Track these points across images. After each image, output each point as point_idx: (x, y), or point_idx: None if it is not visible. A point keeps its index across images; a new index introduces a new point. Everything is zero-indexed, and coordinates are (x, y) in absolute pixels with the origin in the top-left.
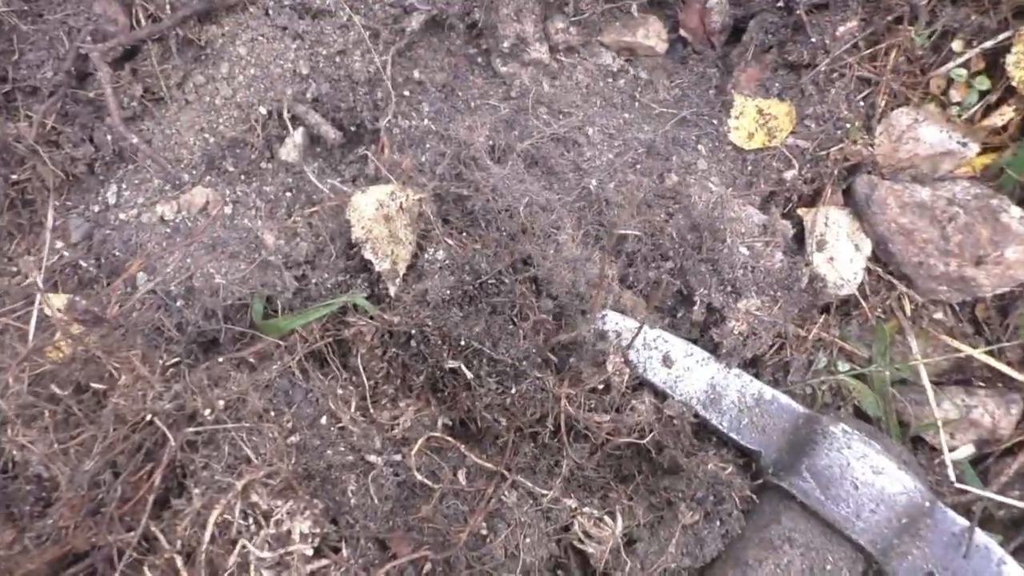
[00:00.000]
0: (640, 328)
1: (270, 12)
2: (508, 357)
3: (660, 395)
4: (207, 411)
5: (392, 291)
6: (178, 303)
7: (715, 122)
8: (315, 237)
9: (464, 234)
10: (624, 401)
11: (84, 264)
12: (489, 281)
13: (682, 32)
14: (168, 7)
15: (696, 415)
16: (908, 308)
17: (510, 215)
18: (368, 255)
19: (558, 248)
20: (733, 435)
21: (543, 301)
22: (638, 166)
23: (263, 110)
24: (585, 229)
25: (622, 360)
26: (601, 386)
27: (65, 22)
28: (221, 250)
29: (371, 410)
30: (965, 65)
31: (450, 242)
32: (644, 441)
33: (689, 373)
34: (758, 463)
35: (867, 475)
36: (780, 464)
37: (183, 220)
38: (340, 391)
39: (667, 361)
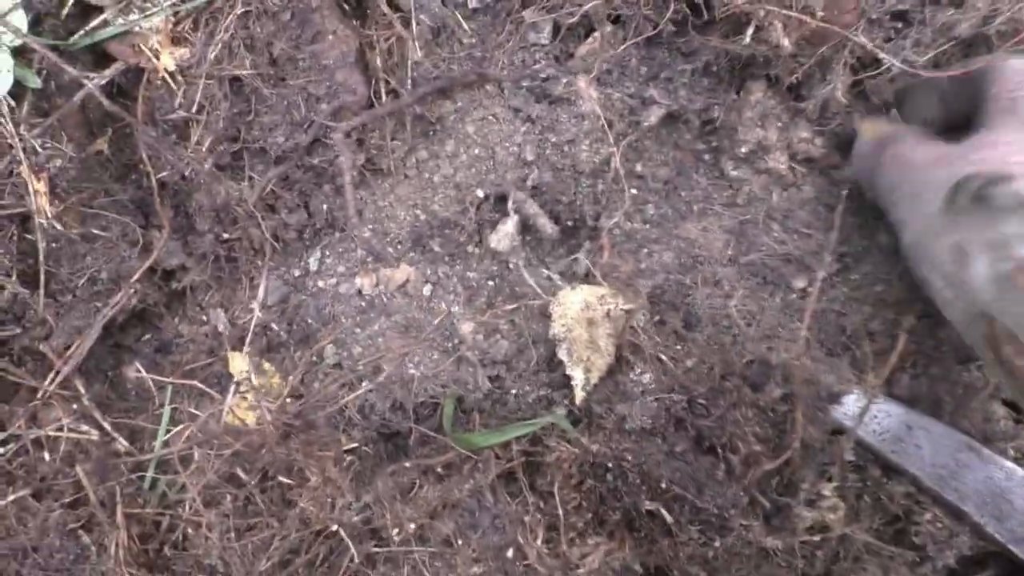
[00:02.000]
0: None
1: (505, 92)
2: (713, 506)
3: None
4: (395, 530)
5: (578, 399)
6: (364, 384)
7: None
8: (516, 336)
9: (678, 348)
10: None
11: (275, 327)
12: (699, 400)
13: None
14: (410, 82)
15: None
16: None
17: (729, 319)
18: (562, 355)
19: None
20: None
21: (766, 395)
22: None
23: (480, 193)
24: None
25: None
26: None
27: (305, 88)
28: (415, 334)
29: (561, 544)
30: None
31: (663, 357)
32: None
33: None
34: None
35: None
36: None
37: (380, 295)
38: (527, 518)
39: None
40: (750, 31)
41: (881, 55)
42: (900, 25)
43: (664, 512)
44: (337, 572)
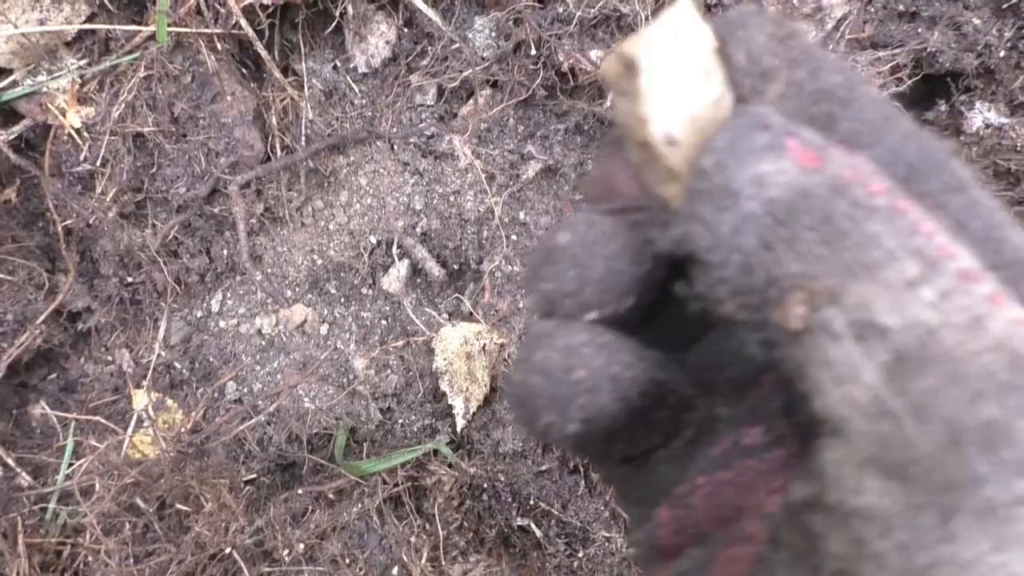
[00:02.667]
0: None
1: (395, 148)
2: (576, 519)
3: None
4: (286, 551)
5: (459, 426)
6: (263, 418)
7: None
8: (405, 371)
9: None
10: None
11: (178, 365)
12: None
13: None
14: (303, 139)
15: None
16: None
17: None
18: (444, 386)
19: None
20: None
21: None
22: None
23: (373, 239)
24: None
25: None
26: None
27: (205, 144)
28: (311, 370)
29: (442, 562)
30: None
31: None
32: None
33: None
34: None
35: None
36: None
37: (279, 334)
38: (413, 539)
39: None
40: (611, 96)
41: None
42: None
43: (533, 526)
44: None
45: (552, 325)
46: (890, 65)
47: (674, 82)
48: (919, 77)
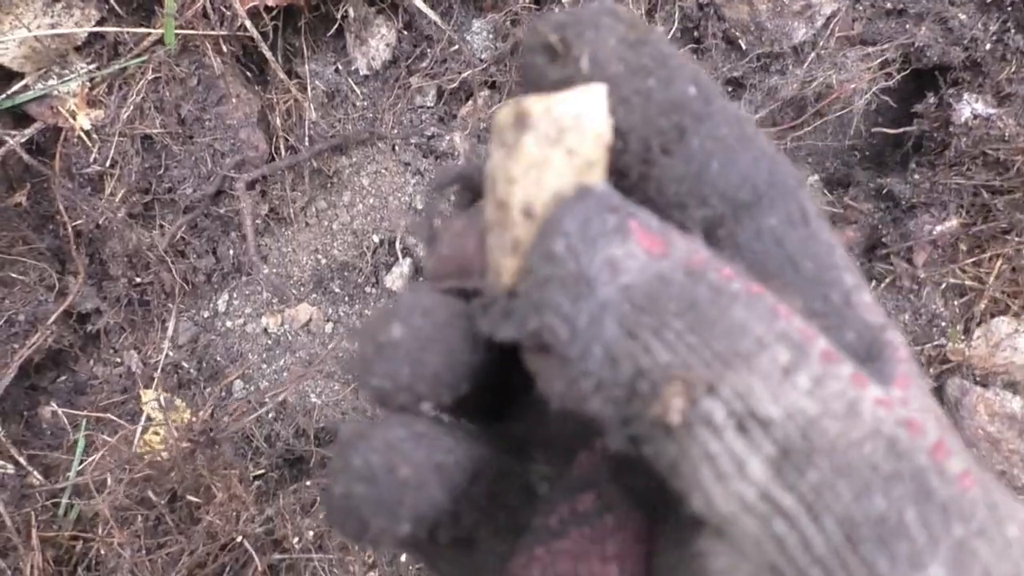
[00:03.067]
0: None
1: (396, 148)
2: None
3: None
4: (295, 539)
5: None
6: (271, 415)
7: None
8: None
9: None
10: None
11: (186, 365)
12: None
13: None
14: (307, 140)
15: None
16: None
17: None
18: None
19: None
20: None
21: None
22: None
23: (376, 238)
24: None
25: None
26: None
27: (211, 145)
28: (317, 368)
29: None
30: None
31: None
32: None
33: None
34: None
35: None
36: None
37: (285, 334)
38: None
39: None
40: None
41: None
42: (734, 89)
43: None
44: None
45: (364, 426)
46: (879, 60)
47: (555, 156)
48: (908, 72)
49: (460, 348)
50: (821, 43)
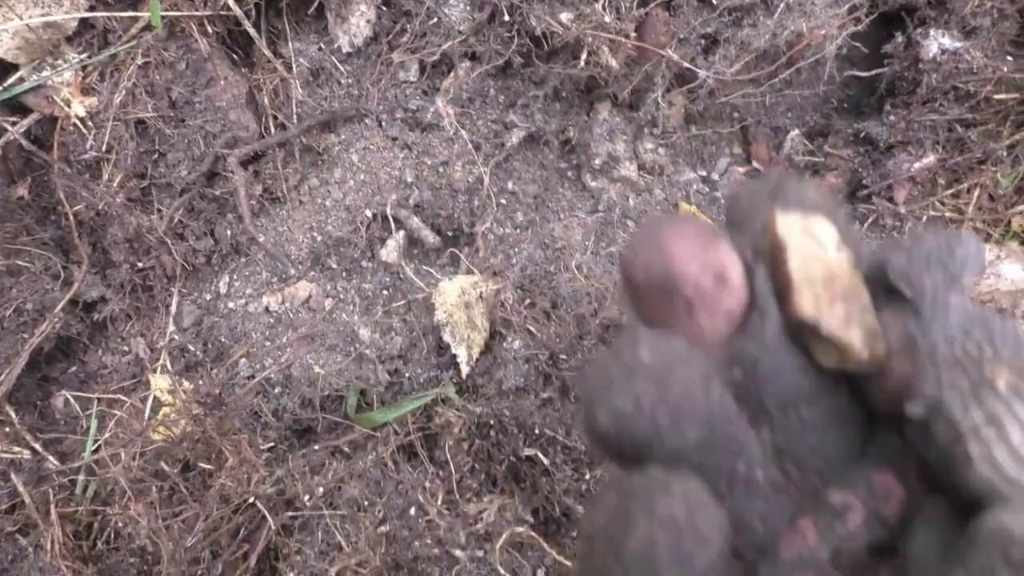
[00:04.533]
0: None
1: (383, 124)
2: (581, 443)
3: None
4: (306, 497)
5: (464, 372)
6: (276, 390)
7: None
8: (409, 332)
9: (545, 321)
10: None
11: (192, 348)
12: (560, 355)
13: (754, 163)
14: (295, 118)
15: None
16: None
17: (589, 296)
18: (447, 337)
19: None
20: None
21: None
22: None
23: (368, 213)
24: None
25: None
26: None
27: (203, 127)
28: (320, 342)
29: (458, 503)
30: None
31: (531, 328)
32: None
33: None
34: None
35: None
36: None
37: (286, 311)
38: (428, 484)
39: None
40: (584, 56)
41: (696, 70)
42: (707, 43)
43: (540, 455)
44: (257, 542)
45: (661, 475)
46: (847, 6)
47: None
48: (875, 15)
49: (701, 390)
50: None
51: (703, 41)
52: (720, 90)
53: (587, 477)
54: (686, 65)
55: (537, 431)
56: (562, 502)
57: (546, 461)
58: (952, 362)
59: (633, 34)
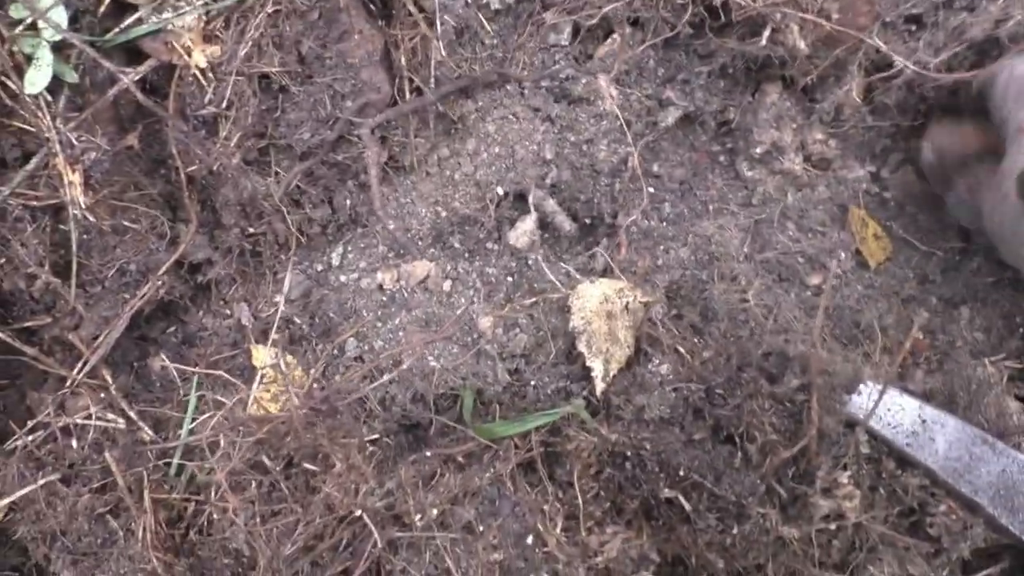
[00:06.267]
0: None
1: (526, 92)
2: (731, 493)
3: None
4: (417, 516)
5: (598, 390)
6: (385, 377)
7: None
8: (535, 330)
9: (695, 340)
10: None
11: (298, 320)
12: (717, 390)
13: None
14: (433, 81)
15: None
16: None
17: (746, 313)
18: (582, 347)
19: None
20: None
21: (784, 386)
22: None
23: (500, 190)
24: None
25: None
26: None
27: (331, 86)
28: (435, 328)
29: (581, 532)
30: None
31: (680, 349)
32: None
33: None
34: None
35: None
36: None
37: (401, 290)
38: (547, 507)
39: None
40: (766, 33)
41: (895, 58)
42: (914, 28)
43: (682, 499)
44: (360, 557)
45: None
46: None
47: None
48: None
49: None
50: None
51: (908, 24)
52: (918, 82)
53: (734, 531)
54: (887, 52)
55: (682, 472)
56: (702, 555)
57: (688, 507)
58: None
59: (836, 15)
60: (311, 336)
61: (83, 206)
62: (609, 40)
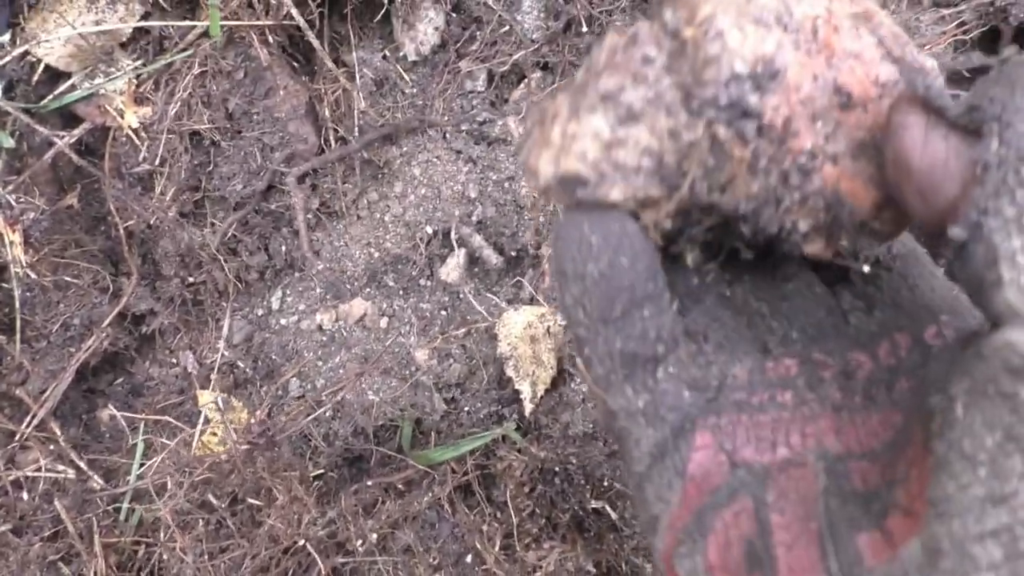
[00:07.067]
0: None
1: (447, 136)
2: None
3: None
4: (359, 542)
5: (527, 411)
6: (328, 413)
7: None
8: (468, 360)
9: None
10: None
11: (241, 364)
12: None
13: None
14: (356, 130)
15: None
16: None
17: None
18: (510, 371)
19: None
20: None
21: None
22: None
23: (429, 229)
24: None
25: None
26: None
27: (260, 139)
28: (374, 364)
29: (516, 549)
30: None
31: None
32: None
33: None
34: None
35: None
36: None
37: (339, 329)
38: (485, 527)
39: None
40: None
41: None
42: None
43: (609, 509)
44: None
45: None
46: (956, 23)
47: None
48: (986, 28)
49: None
50: (892, 7)
51: None
52: None
53: None
54: None
55: (606, 483)
56: (630, 560)
57: (614, 516)
58: (1001, 188)
59: None
60: (255, 379)
61: (24, 264)
62: (522, 84)
